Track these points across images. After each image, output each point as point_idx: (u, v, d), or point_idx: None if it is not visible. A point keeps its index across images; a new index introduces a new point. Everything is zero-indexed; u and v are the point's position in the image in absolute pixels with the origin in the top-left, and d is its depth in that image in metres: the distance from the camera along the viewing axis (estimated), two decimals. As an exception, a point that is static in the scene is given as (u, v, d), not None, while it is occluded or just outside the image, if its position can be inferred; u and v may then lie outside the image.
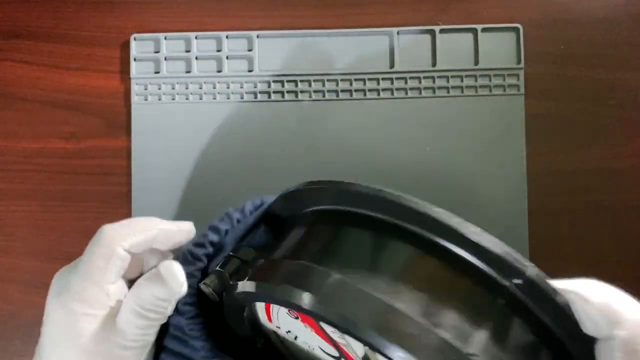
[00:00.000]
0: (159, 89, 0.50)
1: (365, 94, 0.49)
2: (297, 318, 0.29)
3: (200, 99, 0.50)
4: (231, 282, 0.30)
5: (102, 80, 0.50)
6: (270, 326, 0.32)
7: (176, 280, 0.30)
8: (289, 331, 0.31)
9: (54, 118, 0.50)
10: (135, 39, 0.50)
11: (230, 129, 0.49)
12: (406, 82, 0.49)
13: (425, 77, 0.49)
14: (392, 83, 0.49)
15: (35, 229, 0.50)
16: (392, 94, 0.49)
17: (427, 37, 0.50)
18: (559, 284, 0.27)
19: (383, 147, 0.49)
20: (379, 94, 0.49)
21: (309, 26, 0.51)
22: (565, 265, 0.49)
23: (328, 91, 0.49)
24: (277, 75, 0.50)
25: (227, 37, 0.50)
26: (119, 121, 0.50)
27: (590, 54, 0.50)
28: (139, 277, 0.32)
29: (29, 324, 0.49)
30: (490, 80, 0.49)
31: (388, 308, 0.24)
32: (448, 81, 0.49)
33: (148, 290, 0.30)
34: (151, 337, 0.32)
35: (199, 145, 0.49)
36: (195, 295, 0.32)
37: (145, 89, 0.50)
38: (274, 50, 0.50)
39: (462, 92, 0.49)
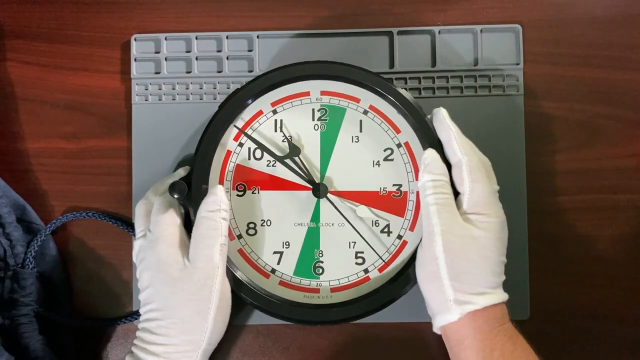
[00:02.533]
0: (160, 89, 0.50)
1: (365, 94, 0.50)
2: None
3: (201, 99, 0.50)
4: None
5: (103, 81, 0.51)
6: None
7: (218, 190, 0.43)
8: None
9: (55, 118, 0.50)
10: (136, 39, 0.50)
11: (230, 129, 0.50)
12: (406, 82, 0.49)
13: (424, 77, 0.50)
14: (392, 83, 0.49)
15: (36, 228, 0.50)
16: (392, 94, 0.50)
17: (427, 37, 0.50)
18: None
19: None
20: (378, 94, 0.50)
21: (309, 26, 0.51)
22: (566, 265, 0.49)
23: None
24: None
25: (227, 37, 0.50)
26: (120, 121, 0.50)
27: (589, 54, 0.50)
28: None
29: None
30: (489, 81, 0.50)
31: None
32: (448, 81, 0.50)
33: (201, 209, 0.42)
34: (216, 257, 0.41)
35: (199, 145, 0.49)
36: None
37: (146, 89, 0.50)
38: (274, 50, 0.50)
39: (462, 92, 0.49)
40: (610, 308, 0.49)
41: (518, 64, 0.50)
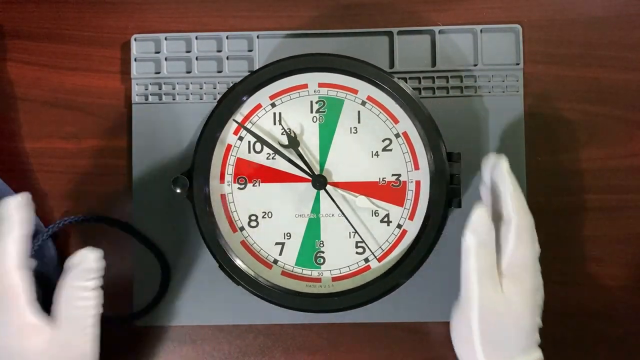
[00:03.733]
0: (160, 89, 0.50)
1: (365, 94, 0.50)
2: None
3: (201, 99, 0.50)
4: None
5: (102, 81, 0.51)
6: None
7: (91, 255, 0.41)
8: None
9: (55, 118, 0.50)
10: (135, 39, 0.50)
11: (230, 129, 0.50)
12: (406, 82, 0.49)
13: (424, 77, 0.50)
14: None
15: (36, 228, 0.50)
16: (392, 94, 0.50)
17: (427, 37, 0.50)
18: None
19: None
20: (378, 94, 0.50)
21: (309, 26, 0.51)
22: (565, 265, 0.49)
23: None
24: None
25: (227, 37, 0.50)
26: (120, 121, 0.50)
27: (589, 54, 0.50)
28: None
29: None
30: (489, 81, 0.50)
31: None
32: (447, 81, 0.50)
33: (68, 278, 0.40)
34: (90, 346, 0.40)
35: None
36: None
37: (146, 89, 0.50)
38: (274, 50, 0.50)
39: (462, 92, 0.49)
40: (610, 308, 0.49)
41: (518, 64, 0.50)
